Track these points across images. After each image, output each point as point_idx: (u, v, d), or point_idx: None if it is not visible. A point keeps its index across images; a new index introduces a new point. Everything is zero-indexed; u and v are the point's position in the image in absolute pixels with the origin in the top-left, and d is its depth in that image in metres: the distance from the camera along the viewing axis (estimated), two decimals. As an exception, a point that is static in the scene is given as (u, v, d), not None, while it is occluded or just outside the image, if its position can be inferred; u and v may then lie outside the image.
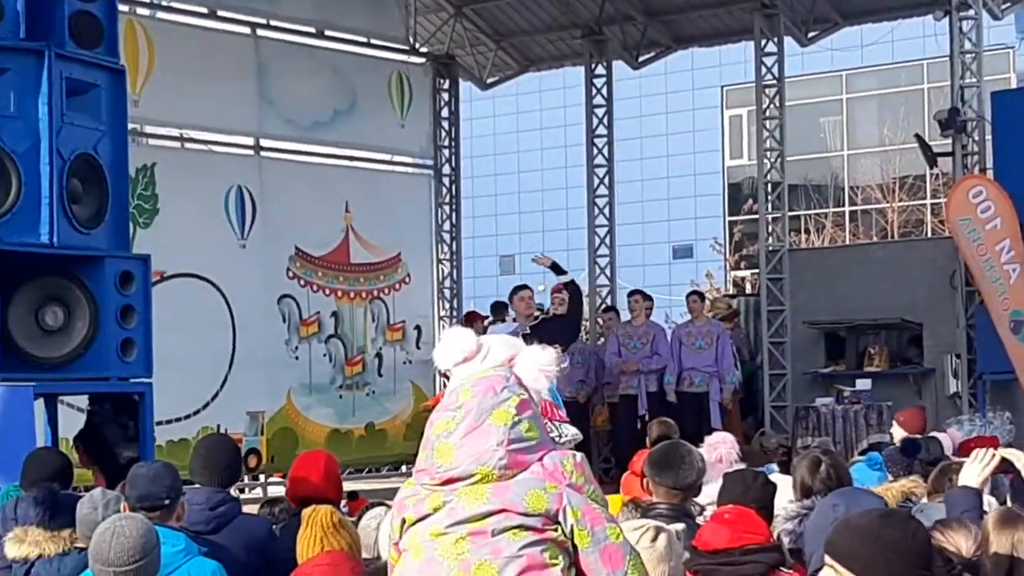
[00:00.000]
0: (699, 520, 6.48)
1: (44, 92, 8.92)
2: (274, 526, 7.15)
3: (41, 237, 8.92)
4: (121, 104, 9.57)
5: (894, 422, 10.96)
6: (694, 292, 19.24)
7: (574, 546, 4.21)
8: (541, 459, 4.25)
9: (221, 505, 6.68)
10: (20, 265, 8.90)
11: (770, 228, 19.18)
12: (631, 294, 18.25)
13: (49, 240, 8.93)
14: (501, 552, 4.14)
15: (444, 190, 21.18)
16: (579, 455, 4.34)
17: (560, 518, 4.19)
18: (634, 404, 17.38)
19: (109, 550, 5.02)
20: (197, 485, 6.85)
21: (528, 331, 12.14)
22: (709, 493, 7.01)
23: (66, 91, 9.07)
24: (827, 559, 3.91)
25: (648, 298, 18.38)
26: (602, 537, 4.22)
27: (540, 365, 4.43)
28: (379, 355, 19.38)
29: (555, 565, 4.17)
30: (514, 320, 13.01)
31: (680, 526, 5.63)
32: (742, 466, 8.16)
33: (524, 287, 14.67)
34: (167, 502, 6.28)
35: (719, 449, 8.09)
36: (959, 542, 4.88)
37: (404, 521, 4.33)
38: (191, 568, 5.84)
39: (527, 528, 4.17)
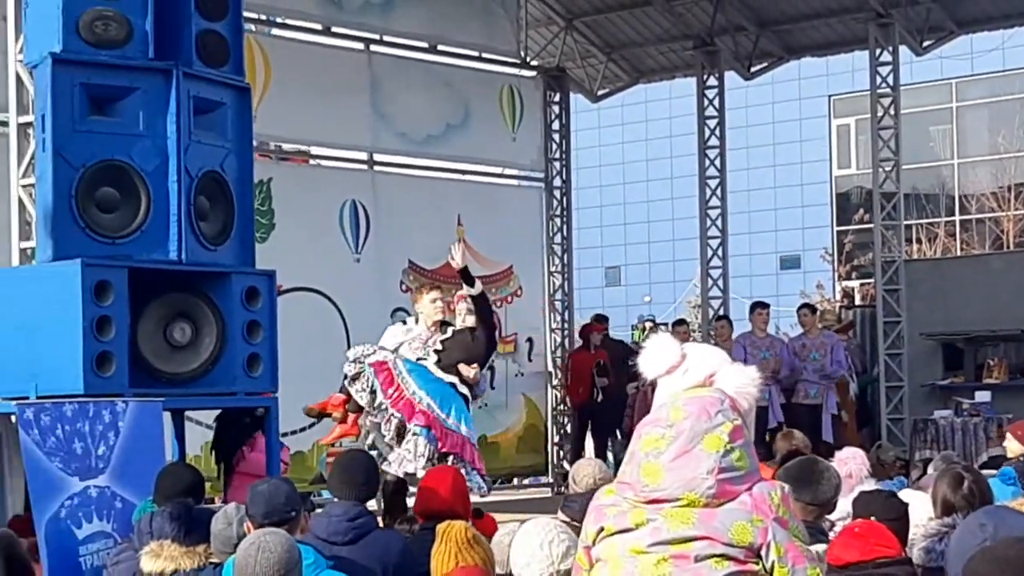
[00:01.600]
0: (831, 536, 6.44)
1: (172, 111, 9.01)
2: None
3: (170, 254, 9.00)
4: (246, 121, 9.64)
5: (1008, 435, 10.79)
6: (805, 305, 19.09)
7: None
8: (749, 489, 4.19)
9: (359, 518, 6.74)
10: (149, 282, 8.98)
11: (884, 238, 19.02)
12: (760, 306, 18.05)
13: (177, 257, 9.01)
14: None
15: (555, 202, 21.17)
16: (786, 487, 4.29)
17: (763, 552, 4.14)
18: (763, 415, 17.17)
19: (255, 565, 5.07)
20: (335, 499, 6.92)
21: (440, 347, 11.63)
22: (840, 508, 6.96)
23: (193, 109, 9.16)
24: None
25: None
26: None
27: (738, 386, 4.37)
28: (491, 367, 19.38)
29: None
30: (416, 322, 12.23)
31: (822, 547, 5.58)
32: (872, 481, 8.12)
33: (435, 287, 13.11)
34: (292, 514, 6.34)
35: (849, 465, 8.01)
36: None
37: (602, 529, 4.30)
38: (321, 581, 5.90)
39: (729, 558, 4.12)
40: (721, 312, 20.37)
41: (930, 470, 10.13)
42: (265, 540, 5.16)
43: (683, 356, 4.40)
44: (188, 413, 11.66)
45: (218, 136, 9.41)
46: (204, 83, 9.28)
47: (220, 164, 9.37)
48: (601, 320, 19.93)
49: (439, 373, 11.19)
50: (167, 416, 9.37)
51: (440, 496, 7.32)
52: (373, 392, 10.98)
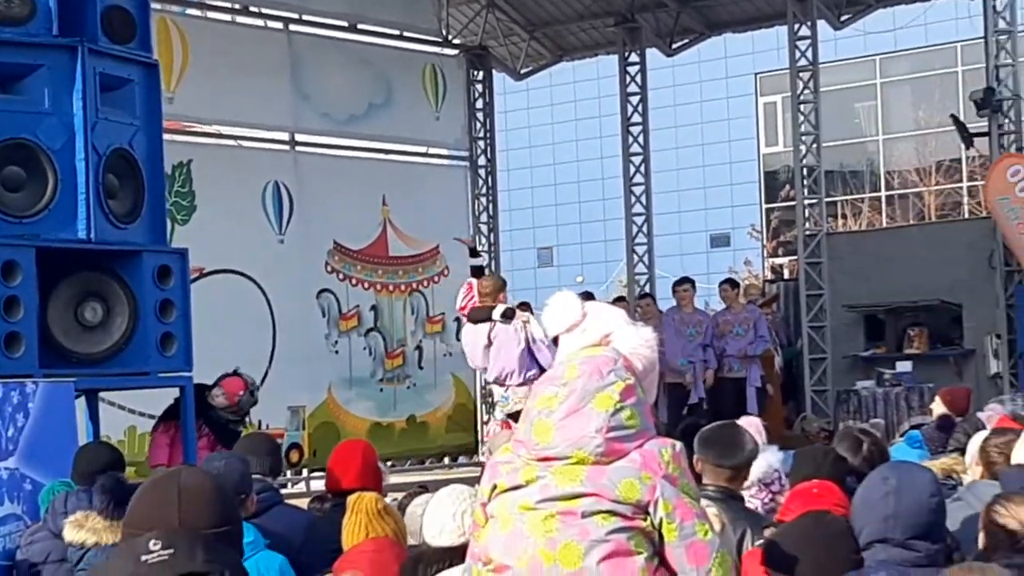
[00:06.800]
0: (748, 503, 6.47)
1: (78, 88, 8.93)
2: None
3: (79, 233, 8.92)
4: (155, 98, 9.57)
5: (937, 399, 10.88)
6: (726, 280, 19.15)
7: (661, 537, 4.19)
8: (640, 446, 4.22)
9: (263, 492, 6.70)
10: (58, 261, 8.91)
11: (807, 213, 19.14)
12: (683, 282, 18.06)
13: (87, 235, 8.93)
14: (588, 535, 4.13)
15: (480, 181, 21.15)
16: (678, 445, 4.30)
17: (650, 509, 4.17)
18: (682, 391, 17.16)
19: None
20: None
21: None
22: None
23: (100, 86, 9.07)
24: None
25: (695, 286, 18.36)
26: (690, 532, 4.19)
27: (632, 347, 4.40)
28: (419, 348, 19.38)
29: (639, 554, 4.15)
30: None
31: (713, 508, 5.59)
32: (774, 448, 8.15)
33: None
34: (242, 496, 6.29)
35: (744, 434, 8.00)
36: (1022, 515, 4.84)
37: (496, 487, 4.32)
38: (259, 561, 5.89)
39: (616, 514, 4.15)
40: (647, 290, 20.42)
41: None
42: None
43: (584, 315, 4.45)
44: (112, 398, 11.60)
45: (126, 113, 9.33)
46: (110, 60, 9.20)
47: (129, 141, 9.29)
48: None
49: None
50: (80, 398, 9.29)
51: (350, 473, 7.25)
52: None
